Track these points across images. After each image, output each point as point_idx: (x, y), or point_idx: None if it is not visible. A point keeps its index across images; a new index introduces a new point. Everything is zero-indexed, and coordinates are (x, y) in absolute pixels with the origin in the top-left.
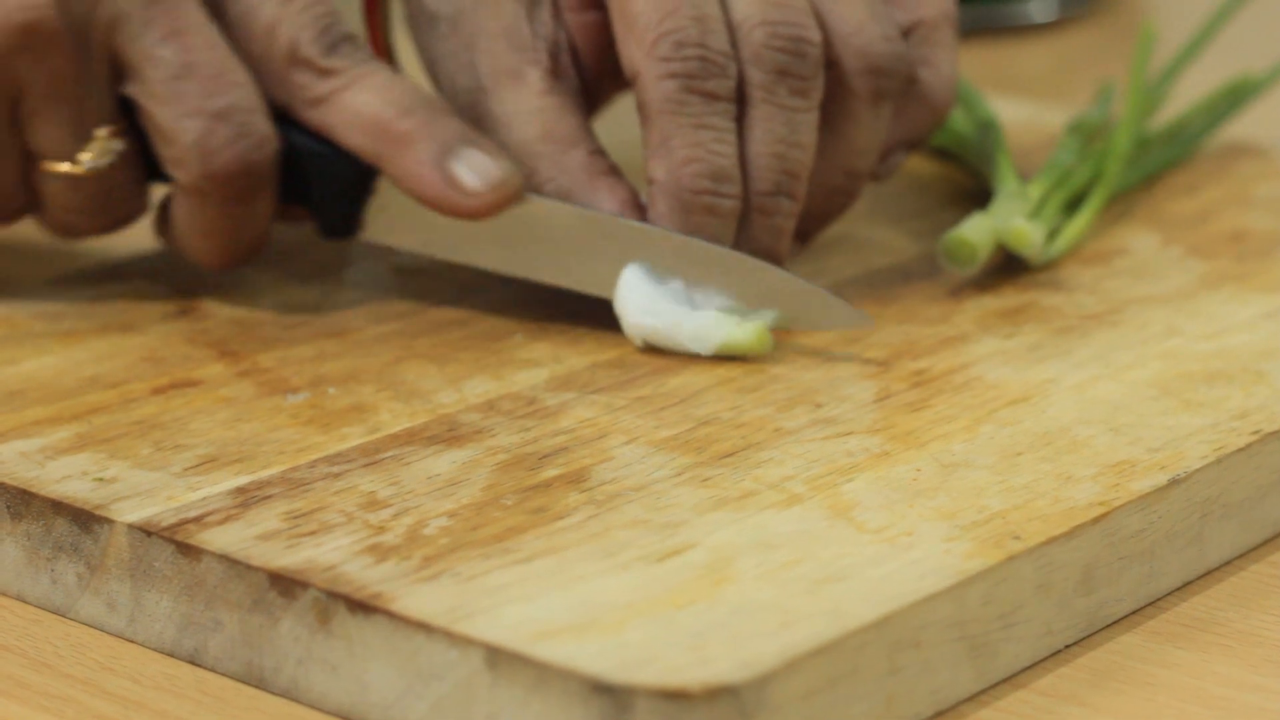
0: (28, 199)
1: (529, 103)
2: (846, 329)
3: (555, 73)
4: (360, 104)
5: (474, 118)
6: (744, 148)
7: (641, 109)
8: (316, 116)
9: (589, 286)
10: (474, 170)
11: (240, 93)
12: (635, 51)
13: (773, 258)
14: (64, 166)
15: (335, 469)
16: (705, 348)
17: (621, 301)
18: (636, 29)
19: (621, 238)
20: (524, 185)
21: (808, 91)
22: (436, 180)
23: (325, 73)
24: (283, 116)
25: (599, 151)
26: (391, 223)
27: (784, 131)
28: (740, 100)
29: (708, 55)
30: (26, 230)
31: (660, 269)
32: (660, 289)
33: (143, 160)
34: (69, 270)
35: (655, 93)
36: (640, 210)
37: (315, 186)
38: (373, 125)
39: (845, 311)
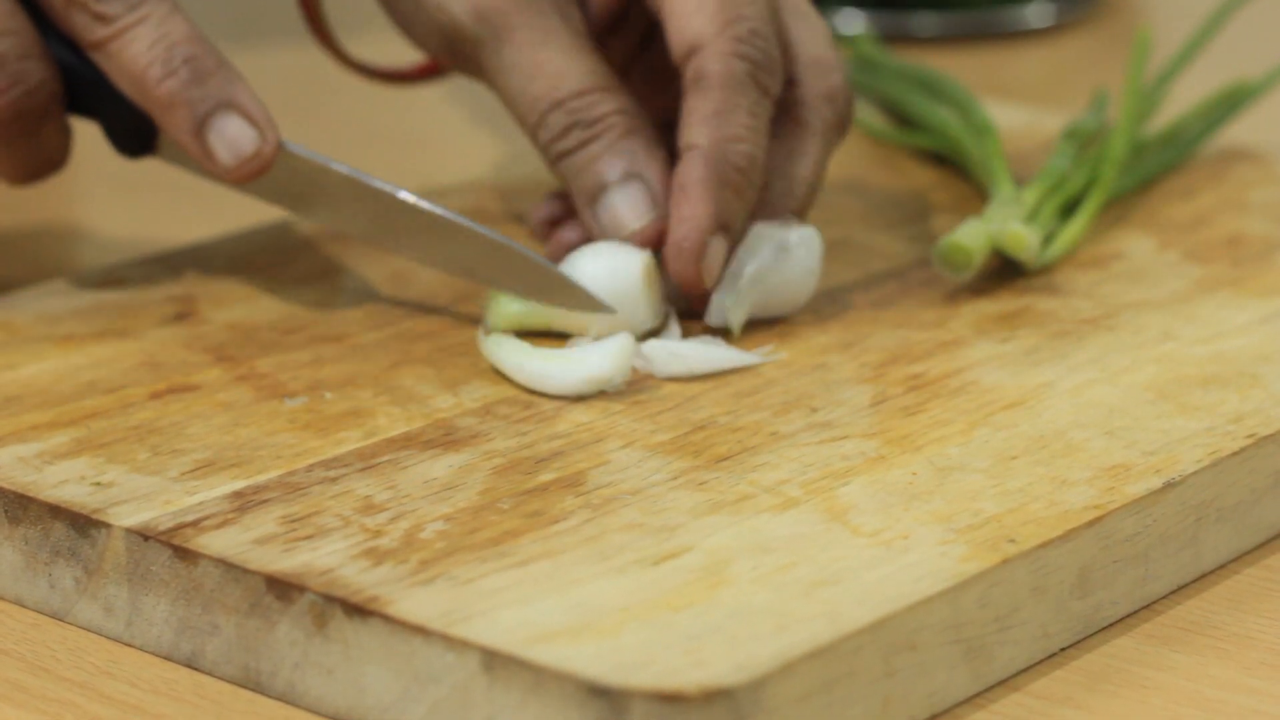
0: None
1: (577, 40)
2: (585, 310)
3: (586, 18)
4: (128, 58)
5: (499, 30)
6: (781, 162)
7: (697, 79)
8: (97, 59)
9: (350, 230)
10: (227, 142)
11: (11, 41)
12: (705, 24)
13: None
14: None
15: (332, 473)
16: (568, 387)
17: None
18: (710, 4)
19: (370, 197)
20: (276, 150)
21: (839, 140)
22: (194, 147)
23: (99, 18)
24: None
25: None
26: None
27: (820, 164)
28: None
29: (772, 54)
30: (25, 236)
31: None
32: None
33: None
34: (67, 275)
35: (722, 66)
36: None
37: (108, 111)
38: (138, 83)
39: (583, 295)
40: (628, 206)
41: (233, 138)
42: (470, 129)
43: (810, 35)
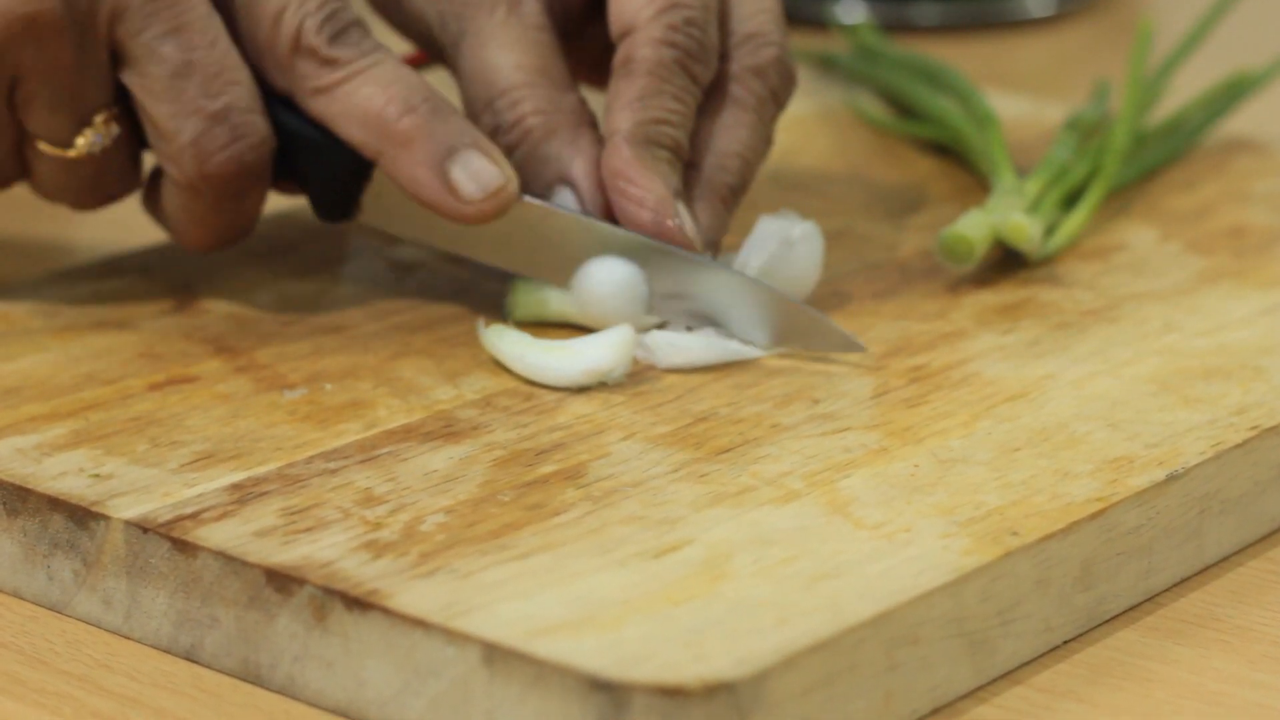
0: (21, 171)
1: (524, 33)
2: (839, 350)
3: (549, 10)
4: (362, 98)
5: (456, 35)
6: (710, 137)
7: (625, 63)
8: (318, 106)
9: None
10: (472, 176)
11: (238, 92)
12: (640, 8)
13: (713, 245)
14: (59, 150)
15: (332, 465)
16: (569, 379)
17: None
18: None
19: (611, 243)
20: (518, 190)
21: (777, 112)
22: (434, 183)
23: (329, 62)
24: (284, 99)
25: (584, 100)
26: (389, 210)
27: (754, 138)
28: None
29: (706, 43)
30: (23, 228)
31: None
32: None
33: (137, 142)
34: (65, 266)
35: (650, 52)
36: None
37: (313, 172)
38: (374, 121)
39: (836, 334)
40: None
41: (479, 171)
42: None
43: (752, 10)
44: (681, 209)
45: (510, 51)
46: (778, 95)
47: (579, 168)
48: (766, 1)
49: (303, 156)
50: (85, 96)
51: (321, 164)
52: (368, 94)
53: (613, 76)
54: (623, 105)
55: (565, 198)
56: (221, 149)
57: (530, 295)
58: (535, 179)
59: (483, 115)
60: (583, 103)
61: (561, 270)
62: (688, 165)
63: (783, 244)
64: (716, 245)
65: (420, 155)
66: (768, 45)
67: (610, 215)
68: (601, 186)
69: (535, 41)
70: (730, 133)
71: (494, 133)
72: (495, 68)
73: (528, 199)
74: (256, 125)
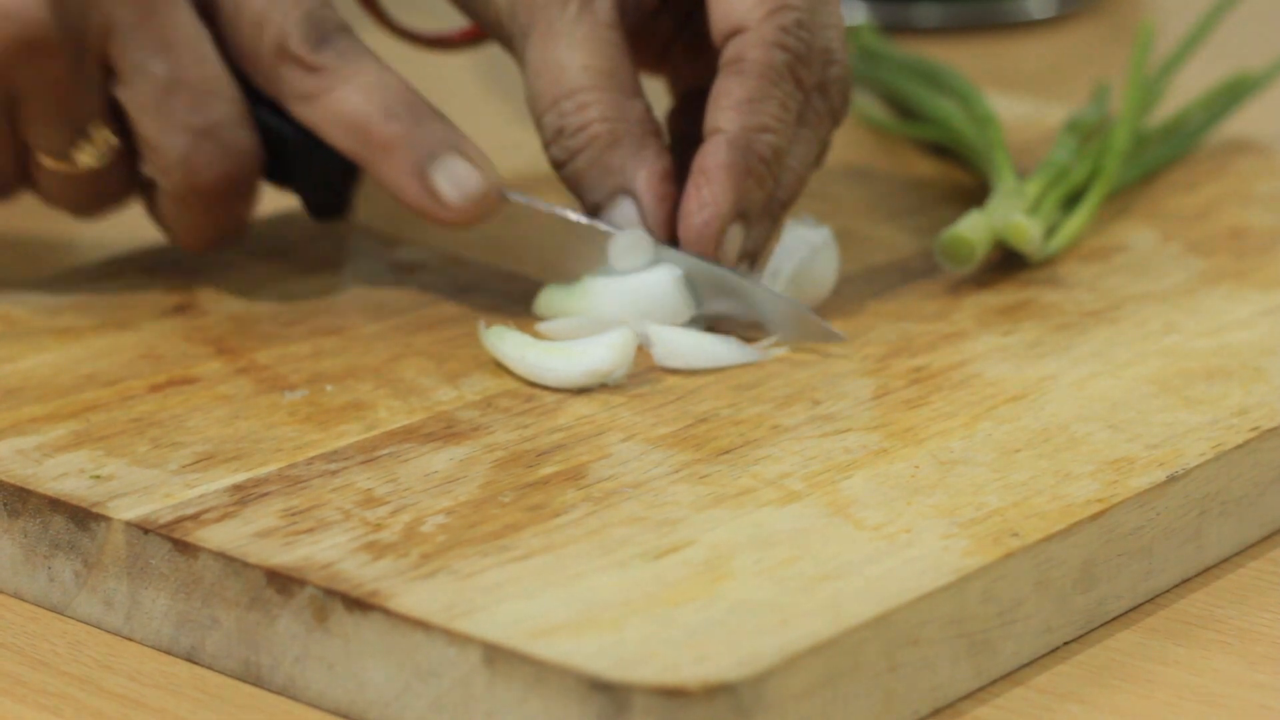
0: (25, 181)
1: (595, 31)
2: (820, 341)
3: (622, 10)
4: (346, 105)
5: (525, 27)
6: None
7: (735, 62)
8: (303, 113)
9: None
10: (454, 181)
11: (225, 108)
12: (750, 8)
13: (752, 257)
14: (58, 162)
15: (333, 466)
16: (569, 379)
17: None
18: None
19: (596, 242)
20: (501, 193)
21: (834, 129)
22: (416, 189)
23: (312, 70)
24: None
25: (650, 107)
26: (380, 209)
27: (809, 154)
28: None
29: (814, 46)
30: (24, 228)
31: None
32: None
33: (134, 153)
34: (66, 267)
35: (762, 53)
36: (674, 182)
37: (304, 173)
38: (357, 128)
39: (818, 326)
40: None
41: (460, 177)
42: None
43: (822, 25)
44: (735, 231)
45: (579, 51)
46: (836, 114)
47: (641, 180)
48: (835, 18)
49: (293, 158)
50: (80, 112)
51: (311, 165)
52: (350, 100)
53: (720, 74)
54: (730, 105)
55: (626, 208)
56: (209, 165)
57: (557, 292)
58: (596, 187)
59: (547, 114)
60: (649, 111)
61: (554, 267)
62: None
63: (810, 249)
64: (756, 257)
65: (402, 162)
66: (833, 63)
67: (671, 231)
68: (662, 200)
69: (605, 41)
70: (790, 149)
71: (558, 134)
72: (563, 67)
73: (515, 197)
74: (243, 140)
